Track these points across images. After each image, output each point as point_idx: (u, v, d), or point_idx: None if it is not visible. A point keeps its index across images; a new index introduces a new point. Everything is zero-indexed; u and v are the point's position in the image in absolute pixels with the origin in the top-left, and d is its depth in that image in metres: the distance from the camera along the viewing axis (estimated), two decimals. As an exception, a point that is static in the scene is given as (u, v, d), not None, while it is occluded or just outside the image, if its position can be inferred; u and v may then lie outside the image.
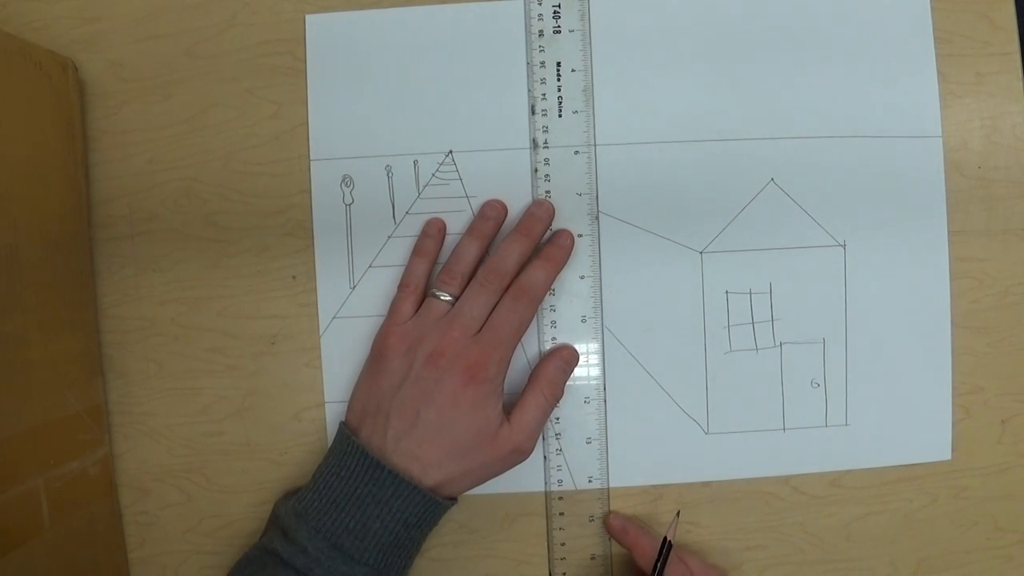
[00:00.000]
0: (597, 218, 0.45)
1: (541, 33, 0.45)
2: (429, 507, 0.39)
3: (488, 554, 0.47)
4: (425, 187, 0.46)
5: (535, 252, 0.43)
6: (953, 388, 0.46)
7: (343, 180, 0.46)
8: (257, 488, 0.46)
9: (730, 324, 0.46)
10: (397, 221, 0.46)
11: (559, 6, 0.45)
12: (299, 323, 0.46)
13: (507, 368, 0.41)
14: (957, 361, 0.46)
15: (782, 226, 0.45)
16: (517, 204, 0.45)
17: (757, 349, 0.46)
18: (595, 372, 0.46)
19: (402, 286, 0.43)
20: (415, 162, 0.46)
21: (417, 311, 0.42)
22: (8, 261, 0.38)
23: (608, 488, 0.46)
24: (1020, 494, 0.46)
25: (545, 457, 0.46)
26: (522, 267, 0.42)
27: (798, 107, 0.45)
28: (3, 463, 0.37)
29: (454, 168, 0.45)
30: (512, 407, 0.42)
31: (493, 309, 0.41)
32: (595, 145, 0.45)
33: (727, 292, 0.46)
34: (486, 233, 0.43)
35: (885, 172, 0.45)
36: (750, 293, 0.46)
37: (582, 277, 0.45)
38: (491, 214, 0.44)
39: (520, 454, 0.41)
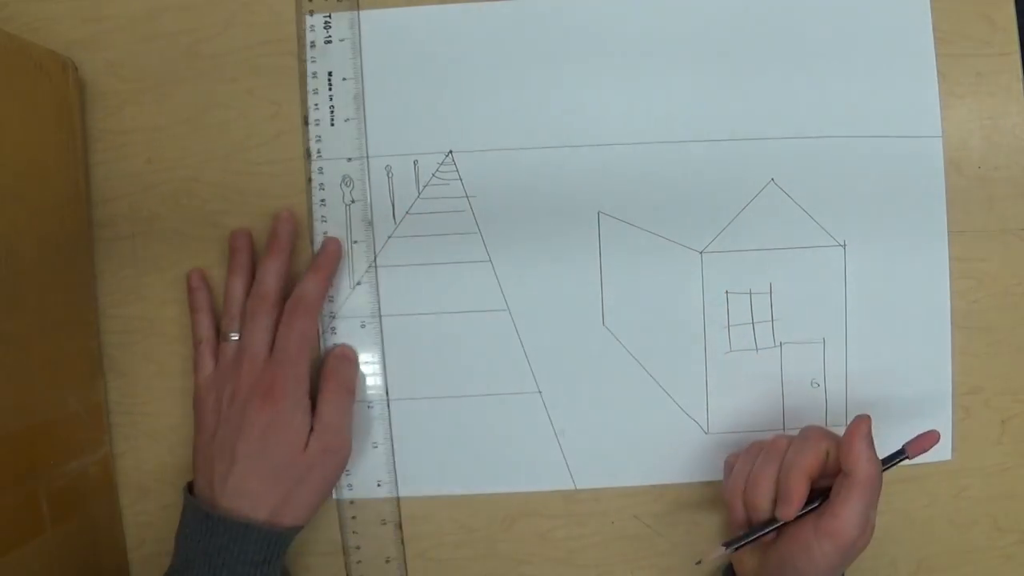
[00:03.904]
0: (371, 223, 0.45)
1: (322, 40, 0.45)
2: (271, 540, 0.40)
3: (488, 554, 0.47)
4: (425, 187, 0.46)
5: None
6: (953, 388, 0.46)
7: (343, 180, 0.46)
8: (257, 488, 0.46)
9: (730, 324, 0.46)
10: (397, 221, 0.46)
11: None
12: (299, 323, 0.46)
13: (307, 383, 0.42)
14: (957, 361, 0.46)
15: (782, 226, 0.45)
16: (516, 204, 0.45)
17: (757, 349, 0.46)
18: (377, 381, 0.46)
19: (194, 343, 0.44)
20: (415, 162, 0.46)
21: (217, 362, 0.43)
22: (8, 261, 0.38)
23: (398, 497, 0.46)
24: (1020, 494, 0.46)
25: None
26: (287, 282, 0.43)
27: (798, 107, 0.45)
28: (3, 463, 0.37)
29: (454, 168, 0.45)
30: (314, 414, 0.42)
31: (273, 330, 0.42)
32: (367, 157, 0.45)
33: (727, 292, 0.46)
34: (244, 264, 0.44)
35: (885, 172, 0.45)
36: (750, 293, 0.46)
37: (359, 283, 0.45)
38: (238, 245, 0.44)
39: (334, 453, 0.42)
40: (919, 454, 0.39)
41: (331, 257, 0.44)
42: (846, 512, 0.37)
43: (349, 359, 0.45)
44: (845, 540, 0.37)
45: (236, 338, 0.43)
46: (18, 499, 0.38)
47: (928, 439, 0.39)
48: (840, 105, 0.45)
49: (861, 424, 0.38)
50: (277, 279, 0.43)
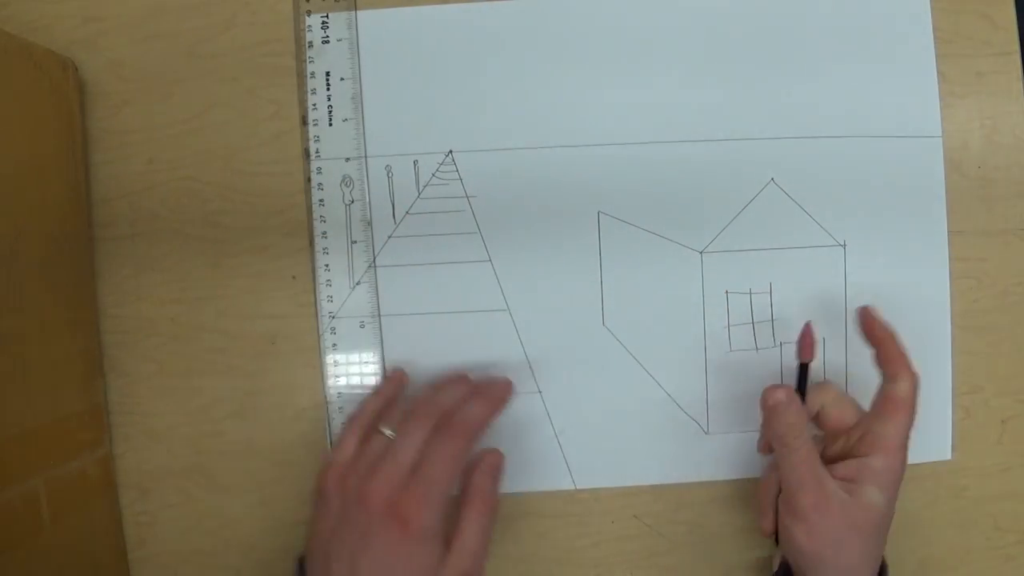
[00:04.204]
0: (370, 223, 0.45)
1: (316, 43, 0.45)
2: None
3: (488, 554, 0.46)
4: (425, 187, 0.46)
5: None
6: (953, 388, 0.46)
7: (343, 180, 0.46)
8: (257, 488, 0.46)
9: (730, 324, 0.46)
10: (397, 221, 0.46)
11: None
12: (299, 323, 0.46)
13: (446, 505, 0.38)
14: (957, 361, 0.46)
15: (782, 226, 0.45)
16: (515, 204, 0.45)
17: (757, 349, 0.46)
18: (375, 381, 0.46)
19: (348, 421, 0.42)
20: (415, 162, 0.46)
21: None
22: (8, 261, 0.38)
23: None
24: (1020, 494, 0.46)
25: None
26: (456, 408, 0.40)
27: (798, 107, 0.45)
28: (3, 463, 0.37)
29: (454, 168, 0.45)
30: (452, 531, 0.38)
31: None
32: (365, 157, 0.45)
33: (727, 292, 0.46)
34: (452, 382, 0.42)
35: (885, 172, 0.45)
36: (750, 293, 0.46)
37: (358, 284, 0.45)
38: (456, 376, 0.44)
39: None
40: (810, 353, 0.40)
41: (504, 391, 0.42)
42: (783, 477, 0.38)
43: (498, 470, 0.41)
44: (793, 506, 0.37)
45: (389, 433, 0.39)
46: (18, 499, 0.38)
47: (805, 337, 0.40)
48: (840, 105, 0.45)
49: (769, 394, 0.39)
50: (455, 396, 0.40)
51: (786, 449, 0.38)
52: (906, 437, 0.38)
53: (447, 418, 0.39)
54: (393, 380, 0.45)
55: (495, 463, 0.41)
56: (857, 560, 0.38)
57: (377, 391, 0.44)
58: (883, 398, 0.39)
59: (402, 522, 0.36)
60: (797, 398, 0.39)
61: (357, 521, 0.37)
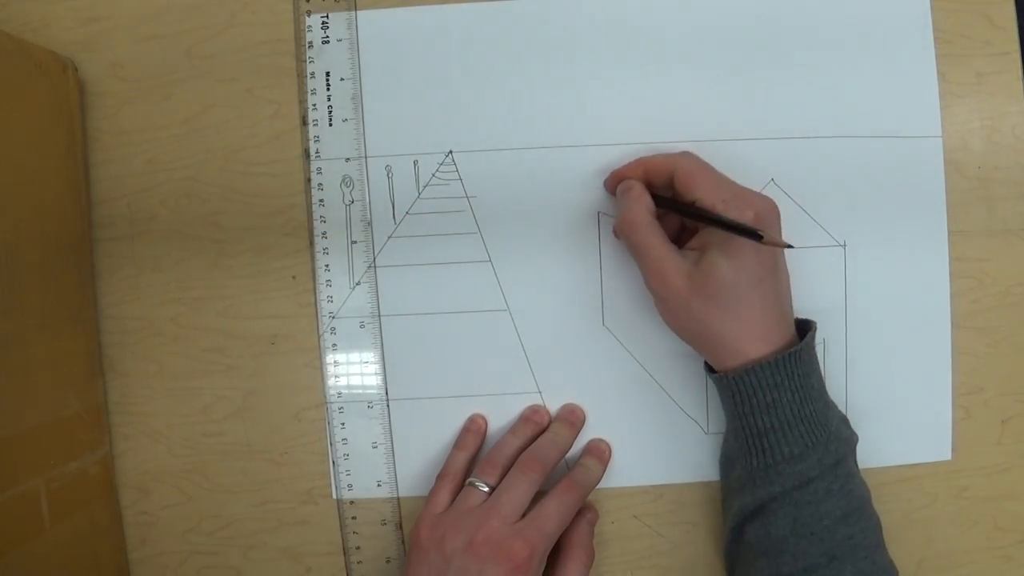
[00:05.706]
0: (370, 223, 0.45)
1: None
2: None
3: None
4: (425, 187, 0.46)
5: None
6: (953, 388, 0.46)
7: (343, 180, 0.46)
8: (257, 488, 0.46)
9: (730, 324, 0.46)
10: (397, 221, 0.46)
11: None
12: (299, 323, 0.46)
13: (546, 555, 0.40)
14: (957, 361, 0.46)
15: (782, 226, 0.45)
16: (515, 204, 0.45)
17: (757, 349, 0.46)
18: (376, 381, 0.46)
19: (440, 476, 0.44)
20: (415, 162, 0.46)
21: (453, 501, 0.42)
22: (8, 261, 0.38)
23: (398, 497, 0.46)
24: (1020, 494, 0.46)
25: (334, 463, 0.46)
26: (560, 458, 0.44)
27: (798, 107, 0.45)
28: (3, 463, 0.37)
29: (454, 168, 0.45)
30: None
31: (532, 497, 0.41)
32: (365, 157, 0.45)
33: (727, 292, 0.46)
34: (528, 434, 0.44)
35: (885, 172, 0.45)
36: (750, 293, 0.45)
37: (358, 284, 0.46)
38: (534, 418, 0.45)
39: None
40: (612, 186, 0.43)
41: (607, 450, 0.45)
42: (637, 262, 0.41)
43: (593, 525, 0.44)
44: (649, 286, 0.40)
45: (484, 488, 0.41)
46: (18, 499, 0.38)
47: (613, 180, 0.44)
48: (840, 105, 0.45)
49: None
50: (561, 451, 0.43)
51: (631, 230, 0.40)
52: (728, 193, 0.39)
53: (568, 478, 0.42)
54: (474, 431, 0.45)
55: (594, 519, 0.44)
56: (727, 329, 0.39)
57: (461, 445, 0.45)
58: (677, 183, 0.40)
59: (513, 565, 0.38)
60: (643, 187, 0.41)
61: (466, 569, 0.38)
